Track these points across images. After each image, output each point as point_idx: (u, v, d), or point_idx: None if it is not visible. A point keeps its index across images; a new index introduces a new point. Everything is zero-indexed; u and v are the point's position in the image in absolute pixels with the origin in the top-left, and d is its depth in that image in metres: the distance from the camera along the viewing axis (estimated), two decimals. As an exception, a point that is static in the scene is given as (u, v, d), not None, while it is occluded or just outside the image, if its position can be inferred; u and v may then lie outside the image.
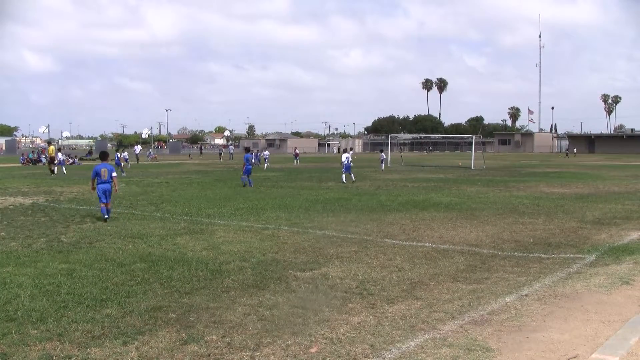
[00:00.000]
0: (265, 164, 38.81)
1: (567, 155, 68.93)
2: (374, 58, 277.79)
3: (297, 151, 49.38)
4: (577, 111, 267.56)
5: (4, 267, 7.39)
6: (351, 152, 38.71)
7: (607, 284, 6.41)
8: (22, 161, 47.60)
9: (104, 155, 13.01)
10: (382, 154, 37.30)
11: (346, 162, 23.36)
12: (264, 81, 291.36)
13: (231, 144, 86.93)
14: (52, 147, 32.11)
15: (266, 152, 42.38)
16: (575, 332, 4.82)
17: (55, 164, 30.37)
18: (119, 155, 32.51)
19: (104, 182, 12.11)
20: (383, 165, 36.03)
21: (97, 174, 12.16)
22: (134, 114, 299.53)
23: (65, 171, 30.69)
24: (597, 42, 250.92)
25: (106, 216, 11.93)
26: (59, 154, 32.02)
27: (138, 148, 55.57)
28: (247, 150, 23.74)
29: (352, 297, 5.95)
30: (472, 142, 45.52)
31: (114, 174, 12.40)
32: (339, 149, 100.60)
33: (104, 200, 12.01)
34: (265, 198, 16.48)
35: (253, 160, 37.40)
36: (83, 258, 7.95)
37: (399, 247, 8.83)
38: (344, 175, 23.26)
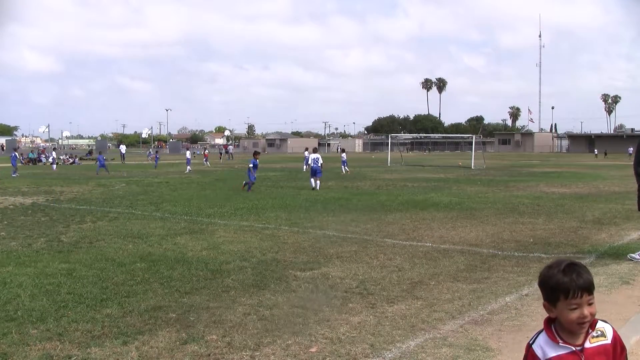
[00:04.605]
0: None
1: (596, 156, 63.93)
2: (374, 58, 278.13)
3: (205, 152, 46.28)
4: (577, 111, 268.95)
5: (4, 267, 7.39)
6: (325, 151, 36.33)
7: (607, 284, 6.41)
8: (22, 161, 47.64)
9: None
10: (343, 154, 32.12)
11: (314, 165, 19.94)
12: (264, 81, 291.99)
13: (231, 144, 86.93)
14: None
15: (153, 151, 38.60)
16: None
17: None
18: (16, 155, 31.58)
19: None
20: (345, 167, 30.93)
21: None
22: (134, 113, 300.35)
23: None
24: (597, 42, 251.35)
25: None
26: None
27: (123, 148, 55.22)
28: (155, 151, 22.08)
29: (352, 297, 5.94)
30: (472, 142, 45.54)
31: None
32: (337, 148, 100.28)
33: None
34: (265, 198, 16.47)
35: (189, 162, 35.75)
36: (83, 258, 7.95)
37: (399, 246, 8.82)
38: (312, 180, 19.61)
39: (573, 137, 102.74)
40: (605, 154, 63.48)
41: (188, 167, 33.47)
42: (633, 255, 7.78)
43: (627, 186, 20.64)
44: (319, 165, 20.00)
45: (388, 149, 49.12)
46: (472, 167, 36.49)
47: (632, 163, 8.21)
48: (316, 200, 15.59)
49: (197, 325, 5.03)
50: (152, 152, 64.60)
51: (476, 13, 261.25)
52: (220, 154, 62.16)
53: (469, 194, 17.76)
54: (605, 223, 11.24)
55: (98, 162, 32.45)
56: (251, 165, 19.11)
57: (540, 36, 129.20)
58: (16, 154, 32.02)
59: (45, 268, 7.27)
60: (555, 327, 2.08)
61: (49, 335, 4.76)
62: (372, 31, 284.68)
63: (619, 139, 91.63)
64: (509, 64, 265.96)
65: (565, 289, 1.99)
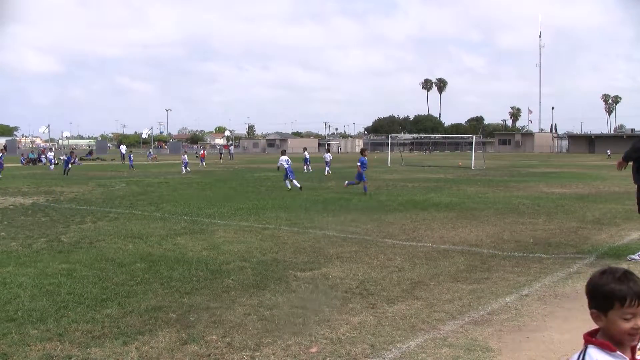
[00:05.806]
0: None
1: (609, 157, 62.21)
2: (374, 58, 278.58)
3: (202, 152, 44.61)
4: (577, 111, 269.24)
5: (4, 267, 7.38)
6: (321, 153, 33.09)
7: (607, 284, 6.40)
8: (22, 161, 47.67)
9: None
10: (328, 154, 30.67)
11: (287, 165, 19.87)
12: (264, 81, 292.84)
13: (232, 144, 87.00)
14: None
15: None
16: (576, 332, 4.81)
17: None
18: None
19: None
20: (328, 167, 29.65)
21: None
22: (134, 114, 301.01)
23: None
24: (597, 42, 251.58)
25: None
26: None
27: (123, 148, 55.51)
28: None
29: (352, 297, 5.94)
30: (472, 142, 45.54)
31: None
32: (339, 148, 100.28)
33: None
34: (265, 198, 16.47)
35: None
36: (83, 258, 7.95)
37: (399, 247, 8.82)
38: (295, 182, 19.17)
39: (573, 138, 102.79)
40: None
41: (187, 168, 33.42)
42: (632, 256, 7.78)
43: (627, 186, 20.62)
44: (290, 165, 20.05)
45: (388, 150, 49.10)
46: (472, 168, 36.49)
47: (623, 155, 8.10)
48: (316, 201, 15.59)
49: (197, 325, 5.03)
50: (152, 153, 64.77)
51: (476, 13, 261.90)
52: (220, 154, 62.20)
53: (469, 194, 17.76)
54: (605, 223, 11.24)
55: (65, 162, 32.27)
56: (359, 164, 18.38)
57: (540, 36, 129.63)
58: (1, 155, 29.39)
59: (45, 268, 7.27)
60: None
61: (49, 335, 4.76)
62: (372, 31, 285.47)
63: (619, 139, 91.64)
64: (509, 64, 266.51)
65: (622, 297, 1.91)
